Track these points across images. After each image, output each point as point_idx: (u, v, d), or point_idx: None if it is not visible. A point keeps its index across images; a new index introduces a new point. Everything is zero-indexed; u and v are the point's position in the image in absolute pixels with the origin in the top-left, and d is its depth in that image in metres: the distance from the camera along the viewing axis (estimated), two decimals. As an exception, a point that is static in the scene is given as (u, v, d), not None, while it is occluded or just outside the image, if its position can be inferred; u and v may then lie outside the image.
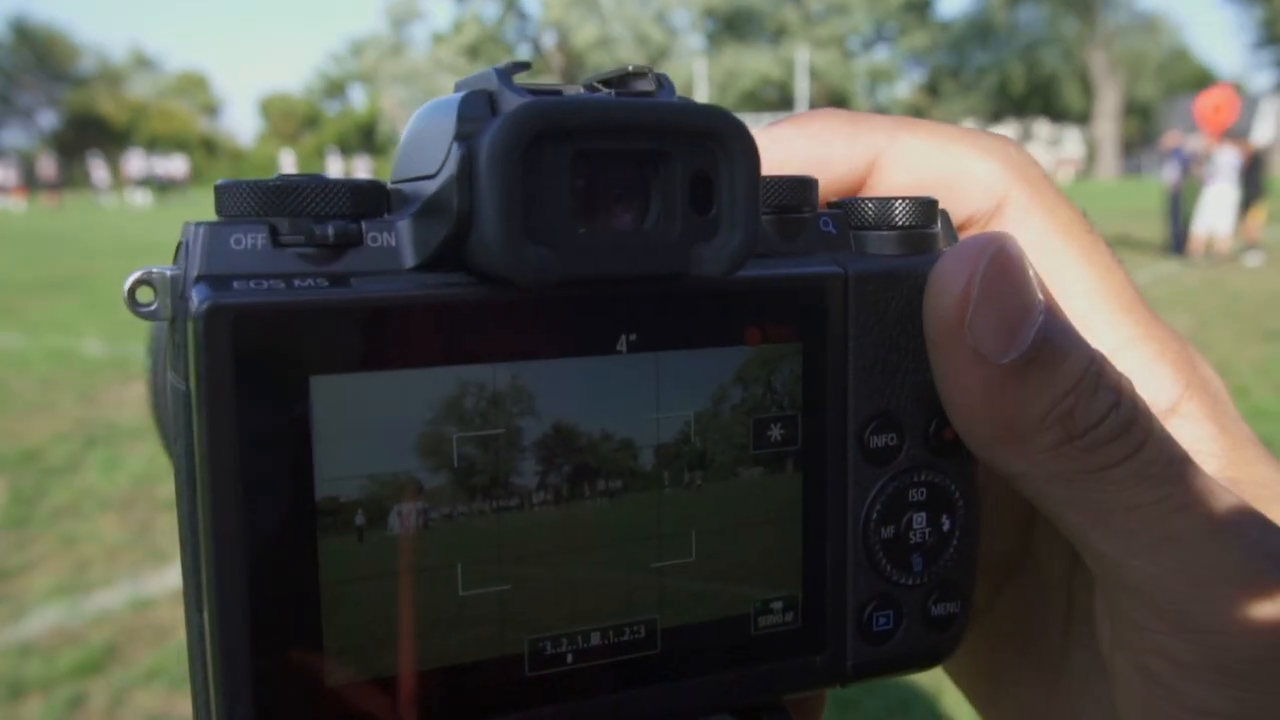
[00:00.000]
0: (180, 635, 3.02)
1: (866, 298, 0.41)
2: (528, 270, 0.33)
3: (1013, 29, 59.82)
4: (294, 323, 0.32)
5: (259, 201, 0.34)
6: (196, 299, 0.31)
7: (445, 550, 0.34)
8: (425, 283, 0.34)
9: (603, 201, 0.35)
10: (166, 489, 4.61)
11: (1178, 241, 13.23)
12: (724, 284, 0.37)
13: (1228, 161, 13.09)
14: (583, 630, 0.37)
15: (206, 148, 63.28)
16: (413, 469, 0.34)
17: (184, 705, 2.85)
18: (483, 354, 0.34)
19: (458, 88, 0.36)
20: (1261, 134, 20.06)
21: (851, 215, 0.42)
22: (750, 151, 0.36)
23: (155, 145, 55.56)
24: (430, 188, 0.34)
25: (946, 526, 0.43)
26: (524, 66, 0.36)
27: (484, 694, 0.36)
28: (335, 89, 72.61)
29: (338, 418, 0.33)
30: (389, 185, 0.37)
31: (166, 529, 4.17)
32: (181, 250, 0.34)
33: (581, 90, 0.37)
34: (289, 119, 71.92)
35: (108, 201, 35.72)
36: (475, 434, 0.34)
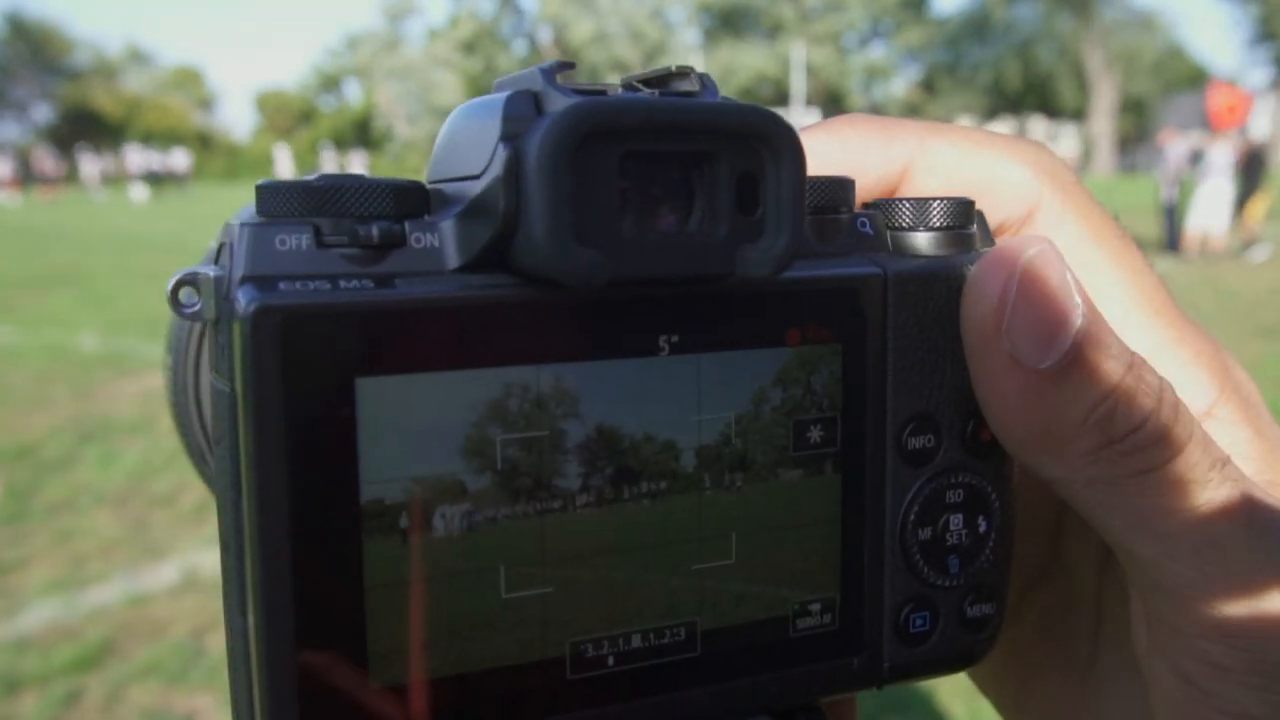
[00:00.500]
0: (176, 630, 3.04)
1: (905, 298, 0.41)
2: (578, 271, 0.33)
3: (1009, 25, 59.85)
4: (340, 324, 0.32)
5: (302, 201, 0.33)
6: (243, 300, 0.31)
7: (488, 553, 0.34)
8: (469, 284, 0.34)
9: (650, 202, 0.35)
10: (162, 484, 4.61)
11: (1172, 239, 13.23)
12: (765, 285, 0.37)
13: (1222, 158, 13.10)
14: (624, 633, 0.37)
15: (201, 142, 63.13)
16: (457, 471, 0.34)
17: (179, 700, 2.85)
18: (526, 356, 0.34)
19: (498, 87, 0.36)
20: (1258, 130, 20.09)
21: (889, 216, 0.43)
22: (797, 153, 0.35)
23: (150, 139, 55.42)
24: (474, 188, 0.34)
25: (983, 528, 0.43)
26: (568, 66, 0.36)
27: (526, 697, 0.36)
28: (330, 84, 72.49)
29: (382, 420, 0.32)
30: (427, 184, 0.37)
31: (162, 524, 4.17)
32: (225, 250, 0.34)
33: (622, 90, 0.37)
34: (284, 114, 71.79)
35: (99, 197, 35.60)
36: (520, 436, 0.34)
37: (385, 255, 0.34)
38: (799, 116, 53.62)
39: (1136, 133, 58.57)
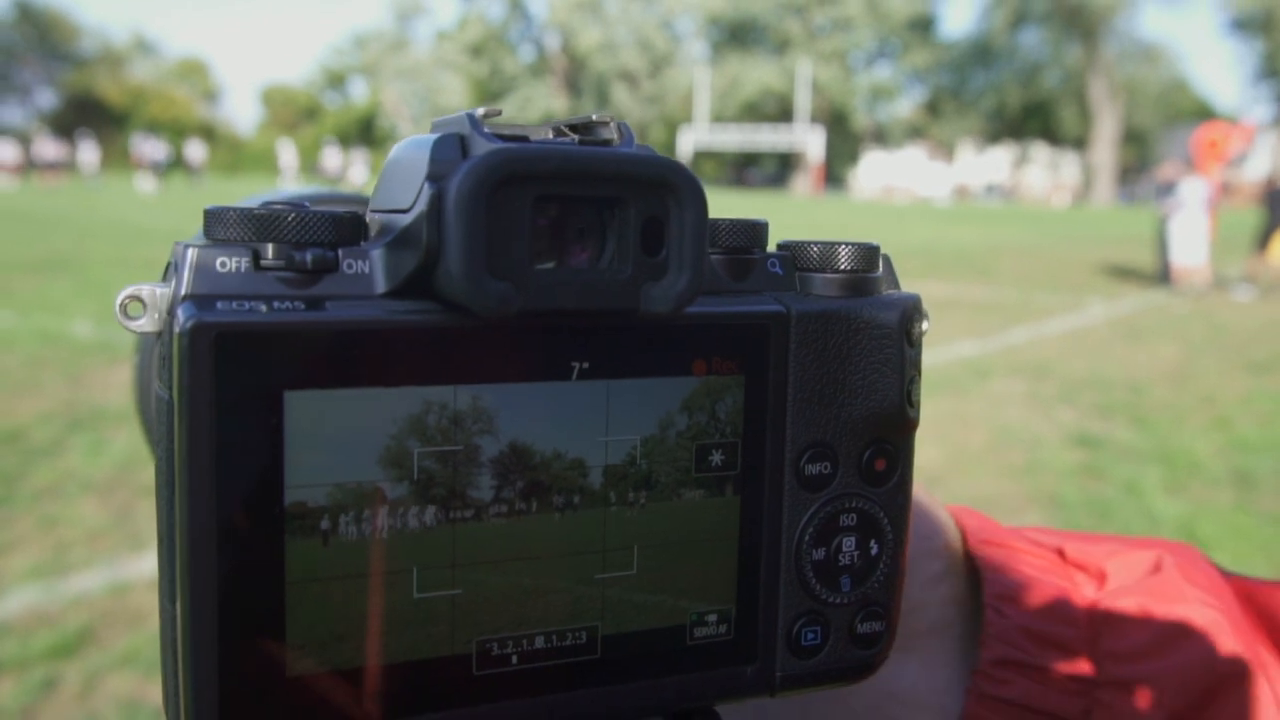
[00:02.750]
0: (155, 622, 3.03)
1: (807, 336, 0.44)
2: (489, 302, 0.35)
3: (1014, 51, 60.06)
4: (271, 342, 0.34)
5: (245, 228, 0.36)
6: (182, 316, 0.34)
7: (403, 555, 0.37)
8: (394, 309, 0.36)
9: (561, 241, 0.38)
10: (148, 475, 4.60)
11: (1166, 272, 13.28)
12: (673, 319, 0.40)
13: (1194, 192, 13.10)
14: (528, 634, 0.40)
15: (205, 135, 63.10)
16: (376, 479, 0.36)
17: (156, 691, 2.85)
18: (445, 376, 0.37)
19: (434, 128, 0.39)
20: (1258, 166, 20.13)
21: (799, 257, 0.45)
22: (699, 201, 0.38)
23: (154, 130, 55.39)
24: (403, 221, 0.37)
25: (875, 551, 0.46)
26: (495, 113, 0.39)
27: (435, 689, 0.38)
28: (336, 81, 72.57)
29: (308, 430, 0.35)
30: (368, 213, 0.40)
31: (147, 514, 4.16)
32: (171, 269, 0.37)
33: (550, 134, 0.40)
34: (289, 109, 71.83)
35: (96, 184, 35.51)
36: (436, 449, 0.37)
37: (318, 279, 0.36)
38: (803, 133, 53.74)
39: (1138, 164, 58.72)
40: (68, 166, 41.72)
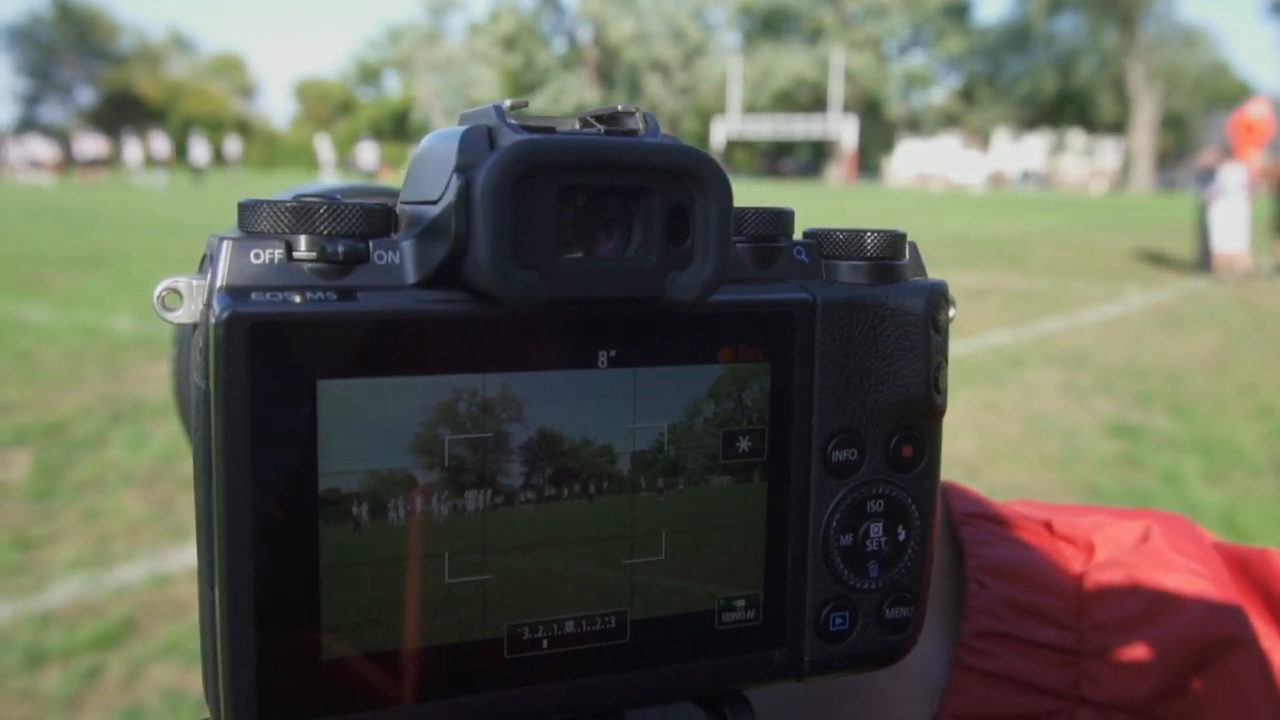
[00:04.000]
0: (196, 613, 3.09)
1: (833, 323, 0.44)
2: (515, 291, 0.36)
3: (1050, 37, 59.38)
4: (304, 332, 0.35)
5: (278, 220, 0.37)
6: (218, 308, 0.35)
7: (435, 541, 0.38)
8: (424, 298, 0.37)
9: (587, 230, 0.38)
10: (189, 467, 4.63)
11: (1206, 259, 13.11)
12: (699, 307, 0.40)
13: (1234, 178, 12.92)
14: (558, 619, 0.40)
15: (241, 130, 63.63)
16: (408, 466, 0.37)
17: (198, 681, 2.89)
18: (475, 364, 0.38)
19: (462, 120, 0.40)
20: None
21: (824, 245, 0.46)
22: (723, 189, 0.39)
23: (191, 125, 55.87)
24: (432, 212, 0.38)
25: (902, 536, 0.46)
26: (522, 104, 0.39)
27: (466, 672, 0.39)
28: (370, 75, 72.91)
29: (342, 418, 0.36)
30: (398, 205, 0.41)
31: (187, 506, 4.21)
32: (207, 261, 0.37)
33: (577, 125, 0.41)
34: (323, 104, 72.25)
35: (139, 180, 35.94)
36: (466, 436, 0.38)
37: (350, 270, 0.37)
38: (836, 122, 53.41)
39: (1177, 149, 57.93)
40: (108, 163, 42.22)
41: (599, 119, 0.41)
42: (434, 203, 0.38)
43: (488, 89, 58.95)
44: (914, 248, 0.48)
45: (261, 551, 0.35)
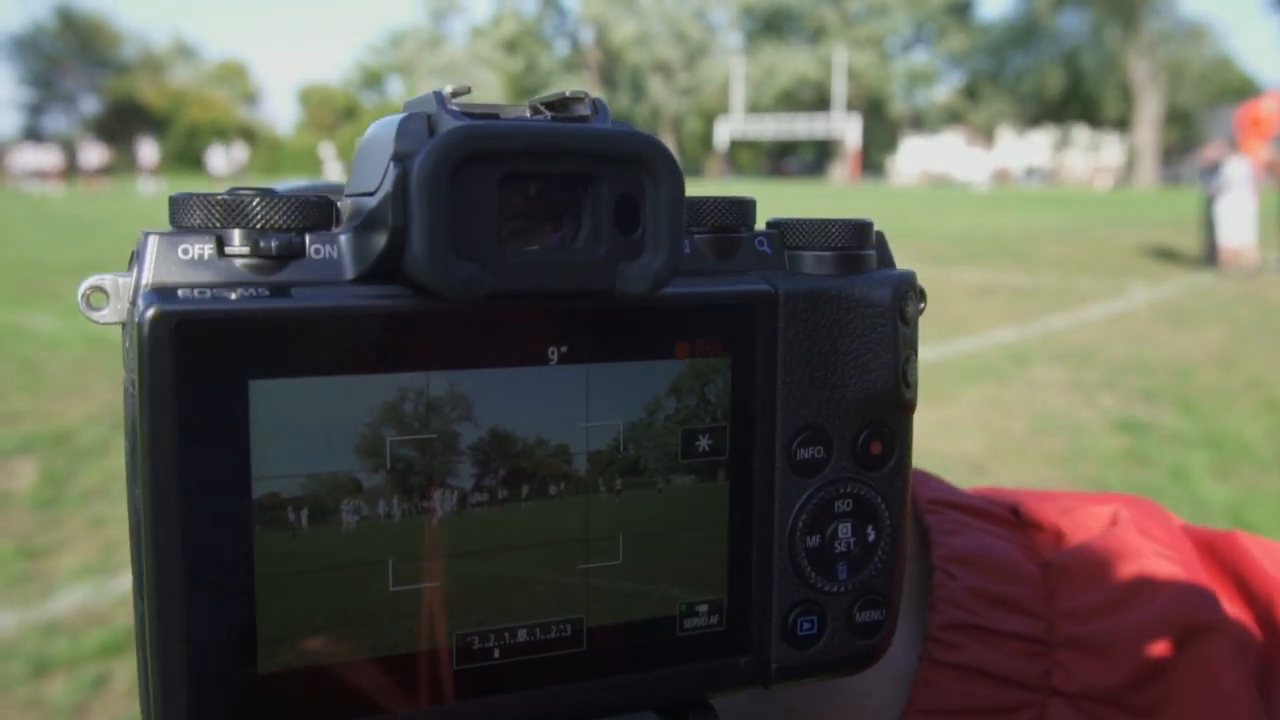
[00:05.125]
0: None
1: (796, 315, 0.42)
2: (455, 284, 0.35)
3: (1053, 33, 59.30)
4: (234, 330, 0.34)
5: (209, 213, 0.35)
6: (143, 305, 0.33)
7: (378, 547, 0.36)
8: (362, 294, 0.36)
9: (533, 220, 0.37)
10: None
11: (1212, 253, 13.06)
12: (653, 300, 0.39)
13: (1240, 171, 12.88)
14: (510, 627, 0.39)
15: (245, 136, 63.72)
16: (351, 469, 0.35)
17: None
18: (418, 362, 0.36)
19: (405, 108, 0.38)
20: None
21: (787, 235, 0.44)
22: (674, 176, 0.37)
23: (195, 132, 55.98)
24: (370, 204, 0.36)
25: (872, 537, 0.45)
26: (464, 91, 0.38)
27: (412, 685, 0.37)
28: (373, 80, 73.00)
29: (277, 419, 0.34)
30: (341, 198, 0.39)
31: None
32: (135, 258, 0.36)
33: (527, 113, 0.39)
34: (326, 109, 72.36)
35: (149, 188, 36.01)
36: (411, 438, 0.36)
37: (284, 265, 0.36)
38: (839, 121, 53.37)
39: (1182, 144, 57.83)
40: (112, 171, 42.36)
41: (548, 105, 0.39)
42: (371, 194, 0.36)
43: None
44: (881, 237, 0.46)
45: (192, 560, 0.34)
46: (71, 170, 40.89)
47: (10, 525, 4.04)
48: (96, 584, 3.55)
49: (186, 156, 58.27)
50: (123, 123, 61.50)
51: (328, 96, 73.75)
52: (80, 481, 4.56)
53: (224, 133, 59.42)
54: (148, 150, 39.64)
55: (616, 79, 63.70)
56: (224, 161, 38.72)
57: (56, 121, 66.64)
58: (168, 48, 73.83)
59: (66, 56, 66.94)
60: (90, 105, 68.37)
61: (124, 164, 49.96)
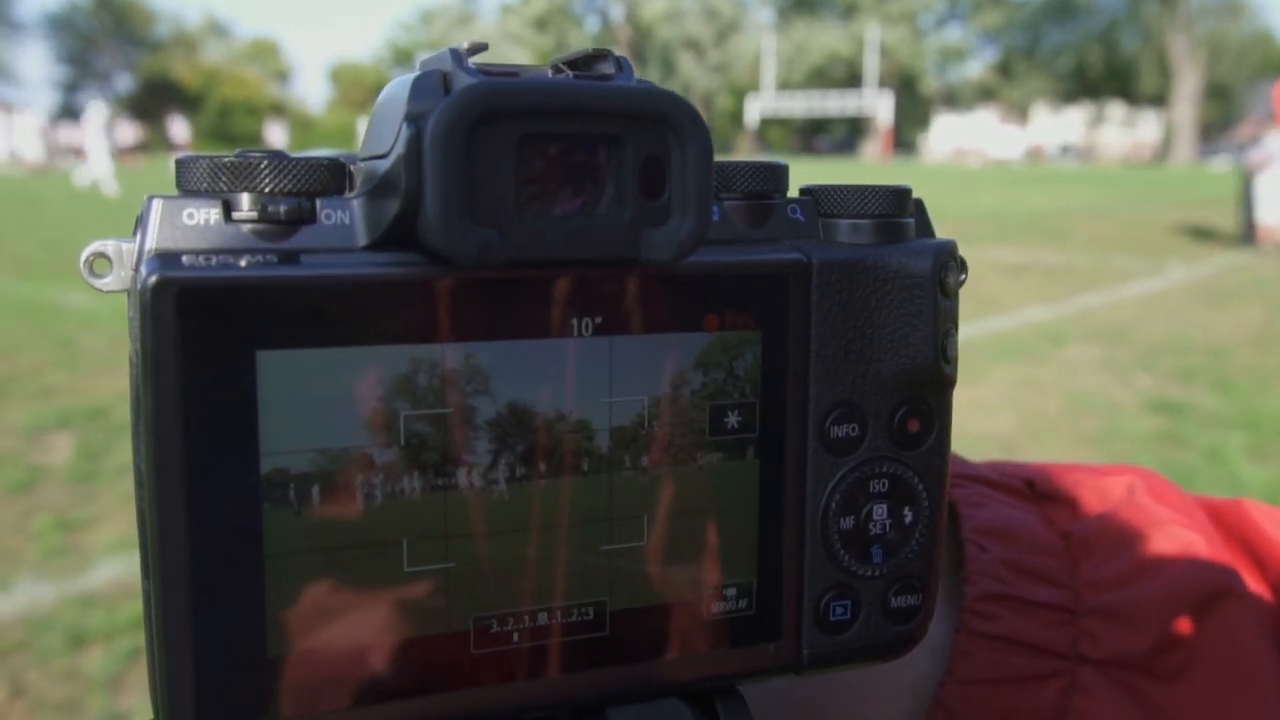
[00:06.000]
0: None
1: (830, 286, 0.40)
2: (470, 251, 0.33)
3: (1090, 9, 58.50)
4: (240, 298, 0.32)
5: (216, 177, 0.34)
6: (145, 272, 0.32)
7: (391, 526, 0.35)
8: (375, 261, 0.34)
9: (553, 184, 0.35)
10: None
11: (1250, 231, 12.86)
12: (681, 270, 0.37)
13: (1278, 146, 12.64)
14: (530, 610, 0.37)
15: (277, 114, 63.97)
16: (362, 444, 0.34)
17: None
18: (433, 333, 0.34)
19: (420, 67, 0.36)
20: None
21: (822, 202, 0.42)
22: (703, 137, 0.35)
23: (227, 110, 56.25)
24: (383, 166, 0.34)
25: (909, 519, 0.43)
26: (481, 48, 0.36)
27: (428, 670, 0.36)
28: (404, 58, 73.02)
29: (285, 392, 0.33)
30: (355, 163, 0.37)
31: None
32: (139, 223, 0.34)
33: (549, 72, 0.37)
34: (358, 87, 72.47)
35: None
36: (426, 412, 0.35)
37: (294, 231, 0.34)
38: (871, 98, 52.94)
39: (1220, 120, 56.96)
40: (147, 149, 42.70)
41: (570, 64, 0.37)
42: (384, 156, 0.34)
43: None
44: (920, 205, 0.44)
45: (198, 538, 0.32)
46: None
47: (48, 499, 4.09)
48: (132, 557, 3.58)
49: (219, 134, 58.60)
50: (156, 100, 61.90)
51: (359, 75, 73.86)
52: (116, 456, 4.61)
53: (256, 110, 59.70)
54: (179, 128, 39.94)
55: (647, 55, 63.40)
56: (279, 138, 39.00)
57: (91, 99, 67.16)
58: (200, 26, 74.14)
59: (101, 35, 67.41)
60: (124, 83, 68.86)
61: (157, 142, 50.30)
